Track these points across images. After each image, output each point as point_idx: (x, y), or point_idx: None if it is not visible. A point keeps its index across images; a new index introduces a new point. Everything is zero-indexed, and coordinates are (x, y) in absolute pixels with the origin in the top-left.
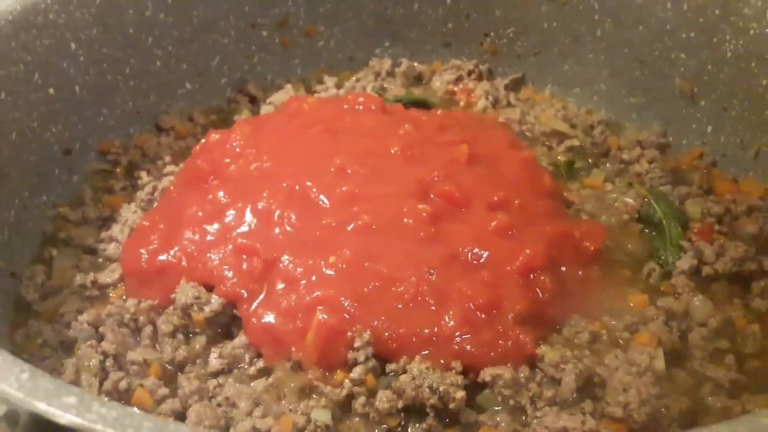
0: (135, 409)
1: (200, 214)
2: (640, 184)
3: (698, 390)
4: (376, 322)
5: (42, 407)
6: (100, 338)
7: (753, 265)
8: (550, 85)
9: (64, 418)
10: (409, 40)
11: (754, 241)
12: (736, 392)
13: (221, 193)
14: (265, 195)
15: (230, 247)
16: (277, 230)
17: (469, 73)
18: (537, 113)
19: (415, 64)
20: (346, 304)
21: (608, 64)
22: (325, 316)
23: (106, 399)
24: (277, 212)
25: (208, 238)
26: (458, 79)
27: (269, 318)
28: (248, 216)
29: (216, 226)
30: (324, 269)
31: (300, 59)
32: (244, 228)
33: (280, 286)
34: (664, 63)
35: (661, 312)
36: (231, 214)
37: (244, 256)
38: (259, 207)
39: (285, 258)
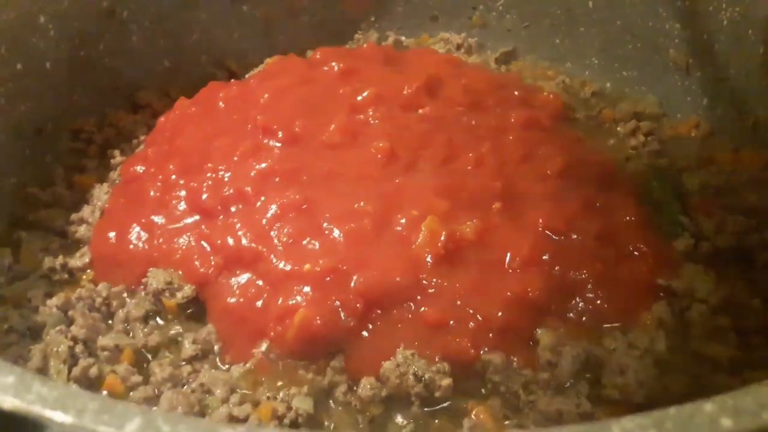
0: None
1: (155, 195)
2: (637, 158)
3: (699, 369)
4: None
5: None
6: (70, 323)
7: (754, 239)
8: (541, 59)
9: (1, 399)
10: (396, 14)
11: (755, 214)
12: (737, 370)
13: (172, 177)
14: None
15: (191, 238)
16: (229, 221)
17: (458, 47)
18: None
19: (402, 38)
20: (328, 301)
21: (600, 37)
22: (311, 316)
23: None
24: (226, 197)
25: (171, 226)
26: (447, 53)
27: (238, 309)
28: (196, 205)
29: (175, 212)
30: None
31: (283, 35)
32: (196, 217)
33: (246, 277)
34: (657, 34)
35: (662, 289)
36: (182, 201)
37: (206, 246)
38: (203, 197)
39: (245, 249)
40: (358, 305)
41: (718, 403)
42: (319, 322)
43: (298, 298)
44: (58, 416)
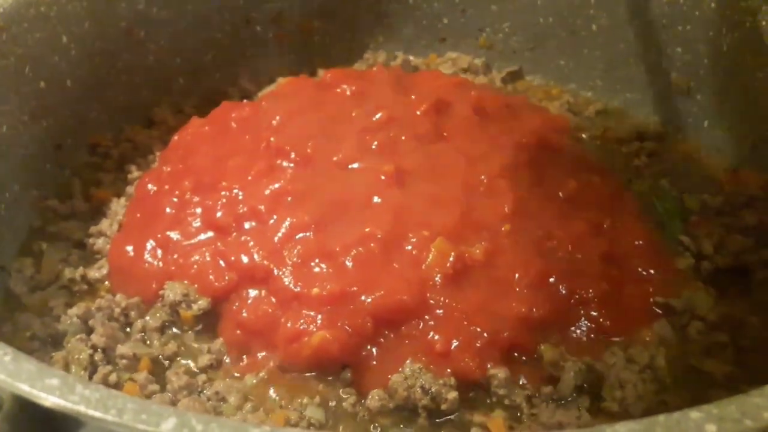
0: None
1: (171, 212)
2: (639, 178)
3: (696, 384)
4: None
5: (25, 389)
6: (90, 332)
7: (753, 257)
8: (546, 79)
9: (47, 399)
10: (404, 35)
11: (754, 233)
12: (734, 385)
13: (186, 195)
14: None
15: (207, 254)
16: (242, 238)
17: (466, 68)
18: (544, 105)
19: (411, 57)
20: (339, 323)
21: (604, 59)
22: (329, 339)
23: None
24: (242, 213)
25: (187, 241)
26: (455, 73)
27: (251, 324)
28: (210, 222)
29: (190, 228)
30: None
31: (294, 54)
32: (210, 234)
33: (259, 293)
34: (659, 58)
35: (662, 307)
36: (197, 218)
37: (221, 262)
38: (218, 215)
39: (258, 266)
40: (367, 324)
41: (704, 411)
42: (335, 344)
43: (308, 321)
44: (100, 415)
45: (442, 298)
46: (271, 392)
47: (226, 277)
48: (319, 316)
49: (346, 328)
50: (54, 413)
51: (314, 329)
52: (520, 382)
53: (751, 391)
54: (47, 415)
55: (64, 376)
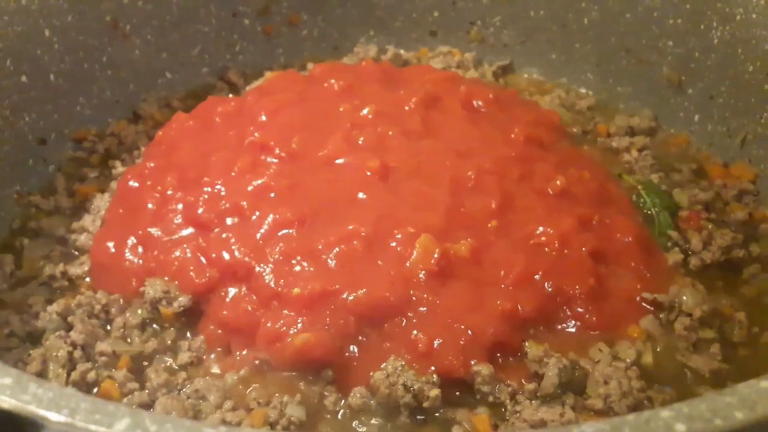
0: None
1: (153, 208)
2: (630, 173)
3: (682, 381)
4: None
5: None
6: (69, 329)
7: (741, 253)
8: (537, 73)
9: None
10: (395, 28)
11: (743, 228)
12: (720, 382)
13: (168, 191)
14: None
15: (188, 250)
16: (224, 235)
17: (457, 61)
18: (535, 99)
19: (402, 51)
20: (321, 324)
21: (595, 53)
22: (312, 340)
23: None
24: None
25: (168, 238)
26: (446, 67)
27: (232, 322)
28: (193, 217)
29: (172, 225)
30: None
31: (283, 48)
32: (191, 230)
33: (240, 290)
34: (651, 51)
35: (650, 302)
36: (178, 214)
37: (202, 258)
38: (200, 211)
39: (239, 263)
40: (350, 323)
41: (675, 410)
42: (318, 346)
43: (288, 323)
44: (52, 416)
45: (426, 296)
46: (251, 391)
47: (207, 274)
48: (300, 319)
49: (329, 329)
50: (13, 416)
51: (294, 331)
52: (504, 379)
53: (723, 390)
54: (7, 419)
55: (18, 374)
